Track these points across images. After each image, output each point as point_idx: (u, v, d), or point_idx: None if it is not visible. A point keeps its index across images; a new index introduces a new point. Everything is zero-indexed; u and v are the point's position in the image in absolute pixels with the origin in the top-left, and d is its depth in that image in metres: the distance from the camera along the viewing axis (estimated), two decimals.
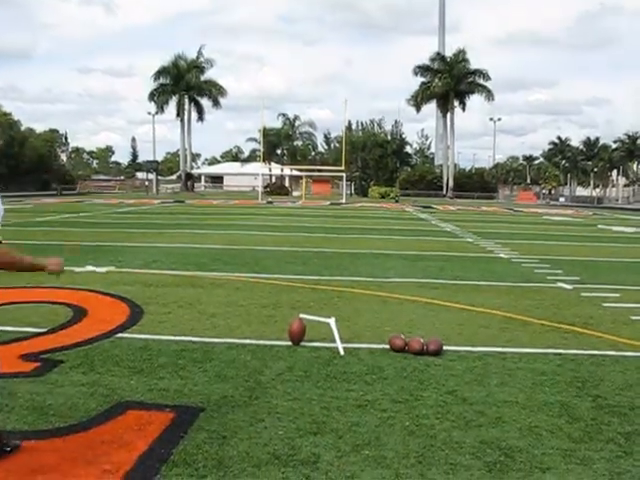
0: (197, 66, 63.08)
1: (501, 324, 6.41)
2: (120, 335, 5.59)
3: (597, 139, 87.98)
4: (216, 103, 64.40)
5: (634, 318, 6.80)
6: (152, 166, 63.87)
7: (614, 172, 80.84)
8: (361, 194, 63.21)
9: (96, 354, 4.98)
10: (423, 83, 62.10)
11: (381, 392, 4.27)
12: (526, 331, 6.14)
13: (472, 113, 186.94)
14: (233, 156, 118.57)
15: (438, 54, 64.39)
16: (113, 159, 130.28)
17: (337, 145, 76.24)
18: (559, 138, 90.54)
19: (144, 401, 3.99)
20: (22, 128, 57.22)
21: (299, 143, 71.01)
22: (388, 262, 11.18)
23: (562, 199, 62.54)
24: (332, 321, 5.48)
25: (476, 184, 66.12)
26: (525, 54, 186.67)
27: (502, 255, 12.70)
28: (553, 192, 72.46)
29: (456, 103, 61.71)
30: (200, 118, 65.28)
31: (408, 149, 73.32)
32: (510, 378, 4.65)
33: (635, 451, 3.43)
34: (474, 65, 60.92)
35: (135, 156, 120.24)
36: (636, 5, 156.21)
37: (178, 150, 76.24)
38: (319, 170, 63.47)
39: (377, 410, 3.93)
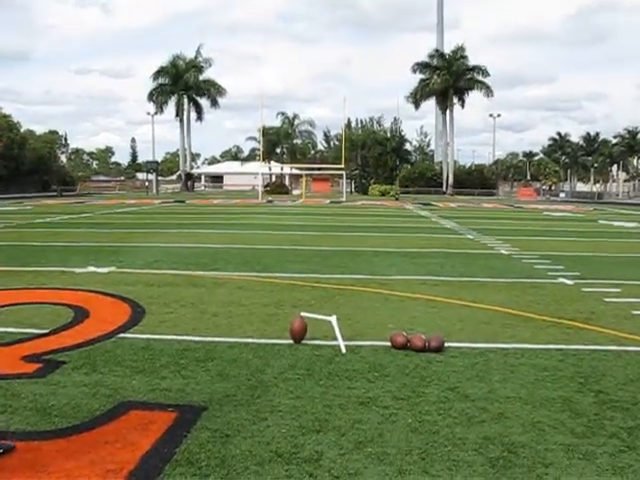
0: (196, 66, 63.05)
1: (502, 320, 6.41)
2: (122, 335, 5.59)
3: (597, 134, 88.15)
4: (215, 103, 64.46)
5: (635, 313, 6.80)
6: (152, 166, 63.87)
7: (614, 167, 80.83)
8: (361, 192, 63.21)
9: (98, 354, 4.99)
10: (422, 80, 62.02)
11: (383, 389, 4.27)
12: (527, 327, 6.14)
13: (471, 109, 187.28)
14: (233, 155, 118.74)
15: (437, 51, 64.30)
16: (113, 160, 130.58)
17: (337, 143, 76.22)
18: (559, 134, 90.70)
19: (147, 401, 4.00)
20: (22, 130, 57.20)
21: (299, 142, 70.91)
22: (389, 259, 11.18)
23: (562, 195, 62.53)
24: (333, 319, 5.49)
25: (476, 181, 66.13)
26: (523, 50, 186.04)
27: (503, 251, 12.70)
28: (553, 188, 72.39)
29: (455, 100, 61.68)
30: (199, 118, 65.37)
31: (408, 146, 73.32)
32: (512, 374, 4.65)
33: (638, 446, 3.43)
34: (473, 61, 60.94)
35: (135, 156, 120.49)
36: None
37: (178, 150, 76.28)
38: (319, 169, 63.46)
39: (379, 407, 3.94)
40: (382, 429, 3.60)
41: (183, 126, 65.08)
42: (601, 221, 24.28)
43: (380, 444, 3.39)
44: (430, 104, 66.66)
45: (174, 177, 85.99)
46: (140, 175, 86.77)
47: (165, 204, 34.56)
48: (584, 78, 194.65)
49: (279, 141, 68.29)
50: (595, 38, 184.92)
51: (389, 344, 5.30)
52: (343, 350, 5.15)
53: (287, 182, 70.60)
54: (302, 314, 5.58)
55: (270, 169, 68.48)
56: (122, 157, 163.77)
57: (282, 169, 69.10)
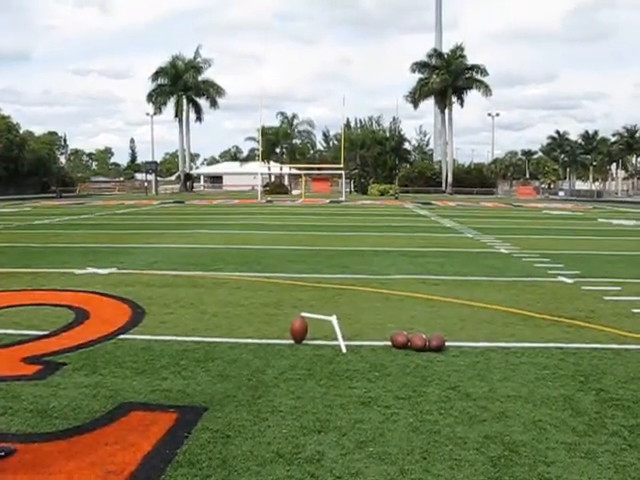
0: (195, 66, 63.09)
1: (503, 319, 6.41)
2: (122, 336, 5.59)
3: (596, 132, 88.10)
4: (214, 103, 64.46)
5: (635, 311, 6.80)
6: (151, 167, 63.90)
7: (613, 165, 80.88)
8: (361, 192, 63.14)
9: (98, 356, 4.98)
10: (421, 79, 62.02)
11: (384, 389, 4.27)
12: (528, 326, 6.14)
13: (470, 109, 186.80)
14: (232, 156, 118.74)
15: (435, 50, 64.26)
16: (112, 160, 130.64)
17: (336, 143, 76.21)
18: (557, 132, 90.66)
19: (147, 402, 3.99)
20: (21, 131, 57.21)
21: (298, 142, 70.85)
22: (389, 259, 11.18)
23: (561, 193, 62.49)
24: (334, 319, 5.48)
25: (475, 179, 66.10)
26: (522, 49, 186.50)
27: (502, 250, 12.70)
28: (552, 186, 72.42)
29: (454, 99, 61.67)
30: (198, 118, 65.37)
31: (407, 146, 73.24)
32: (513, 373, 4.65)
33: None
34: (471, 61, 60.91)
35: (134, 157, 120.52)
36: None
37: (177, 151, 76.31)
38: (318, 168, 63.42)
39: (380, 407, 3.93)
40: (383, 429, 3.59)
41: (182, 127, 65.10)
42: (600, 219, 24.28)
43: (381, 444, 3.39)
44: (429, 103, 66.70)
45: (173, 178, 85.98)
46: (139, 176, 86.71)
47: (164, 205, 34.55)
48: (583, 77, 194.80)
49: (278, 141, 68.23)
50: (594, 36, 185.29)
51: (390, 344, 5.29)
52: (344, 350, 5.15)
53: (286, 182, 70.60)
54: (302, 314, 5.58)
55: (269, 169, 68.48)
56: (121, 158, 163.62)
57: (281, 169, 69.05)
